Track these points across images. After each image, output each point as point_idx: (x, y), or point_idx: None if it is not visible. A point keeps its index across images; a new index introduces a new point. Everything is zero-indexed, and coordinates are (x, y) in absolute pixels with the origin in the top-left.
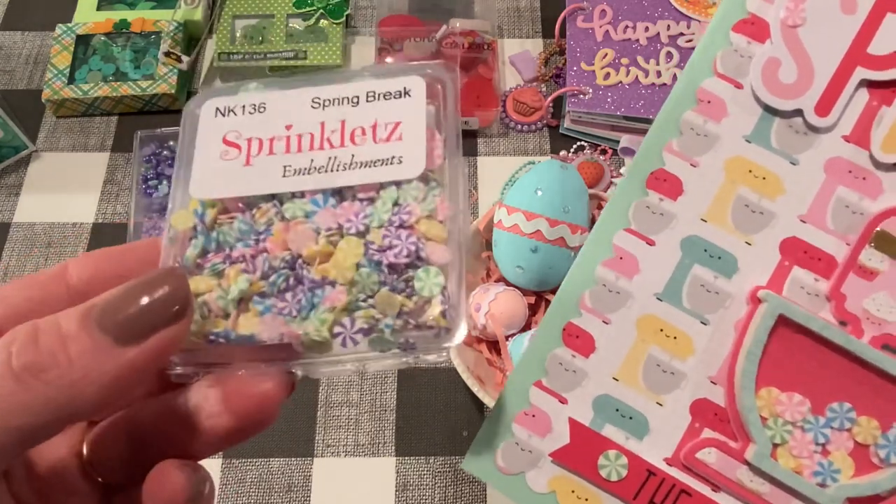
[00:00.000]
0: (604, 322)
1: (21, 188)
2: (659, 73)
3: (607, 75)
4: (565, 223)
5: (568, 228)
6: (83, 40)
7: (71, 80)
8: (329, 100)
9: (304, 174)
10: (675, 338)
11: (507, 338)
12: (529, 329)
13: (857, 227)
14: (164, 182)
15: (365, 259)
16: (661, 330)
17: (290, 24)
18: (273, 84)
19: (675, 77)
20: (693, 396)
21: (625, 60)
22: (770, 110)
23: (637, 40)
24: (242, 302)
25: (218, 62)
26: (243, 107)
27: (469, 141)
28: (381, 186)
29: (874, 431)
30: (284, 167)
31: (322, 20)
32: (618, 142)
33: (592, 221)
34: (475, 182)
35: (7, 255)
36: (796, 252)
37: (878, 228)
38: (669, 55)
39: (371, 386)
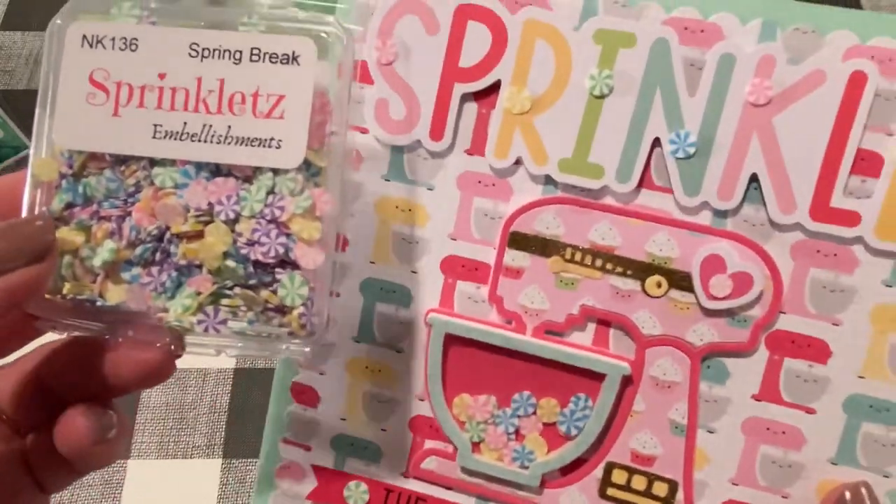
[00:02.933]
0: (320, 374)
1: None
2: None
3: None
4: None
5: None
6: None
7: None
8: (209, 49)
9: (175, 139)
10: (379, 371)
11: None
12: None
13: (497, 231)
14: None
15: (233, 249)
16: (367, 367)
17: None
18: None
19: None
20: (408, 416)
21: None
22: (395, 148)
23: None
24: (109, 266)
25: None
26: (113, 39)
27: None
28: (258, 168)
29: (555, 409)
30: (155, 126)
31: None
32: None
33: None
34: None
35: None
36: (455, 268)
37: (510, 230)
38: None
39: None
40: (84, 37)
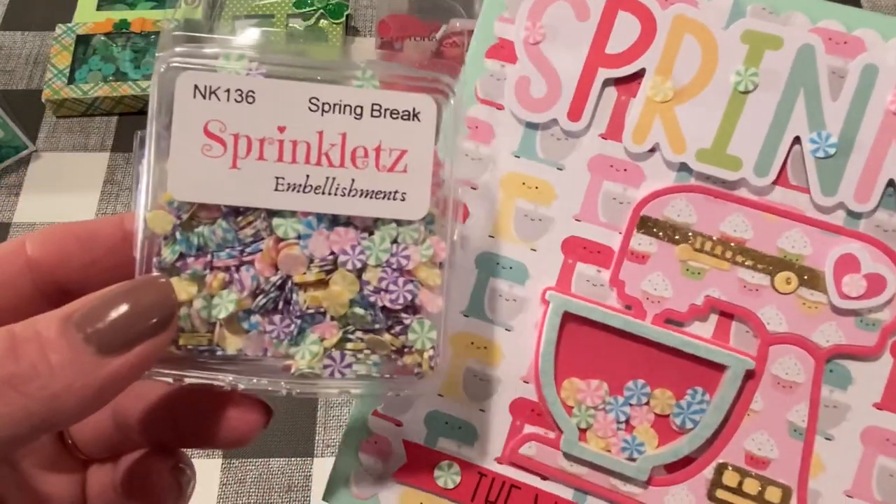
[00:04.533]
0: None
1: (21, 188)
2: None
3: None
4: None
5: None
6: (83, 40)
7: (71, 80)
8: (330, 104)
9: (298, 191)
10: (485, 348)
11: None
12: None
13: (625, 216)
14: None
15: (359, 296)
16: (472, 343)
17: (290, 24)
18: (261, 52)
19: None
20: (510, 398)
21: None
22: (530, 125)
23: None
24: (227, 316)
25: None
26: (228, 91)
27: None
28: (379, 218)
29: (669, 401)
30: (277, 179)
31: (322, 20)
32: None
33: None
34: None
35: None
36: (576, 249)
37: (641, 214)
38: None
39: None
40: (196, 87)
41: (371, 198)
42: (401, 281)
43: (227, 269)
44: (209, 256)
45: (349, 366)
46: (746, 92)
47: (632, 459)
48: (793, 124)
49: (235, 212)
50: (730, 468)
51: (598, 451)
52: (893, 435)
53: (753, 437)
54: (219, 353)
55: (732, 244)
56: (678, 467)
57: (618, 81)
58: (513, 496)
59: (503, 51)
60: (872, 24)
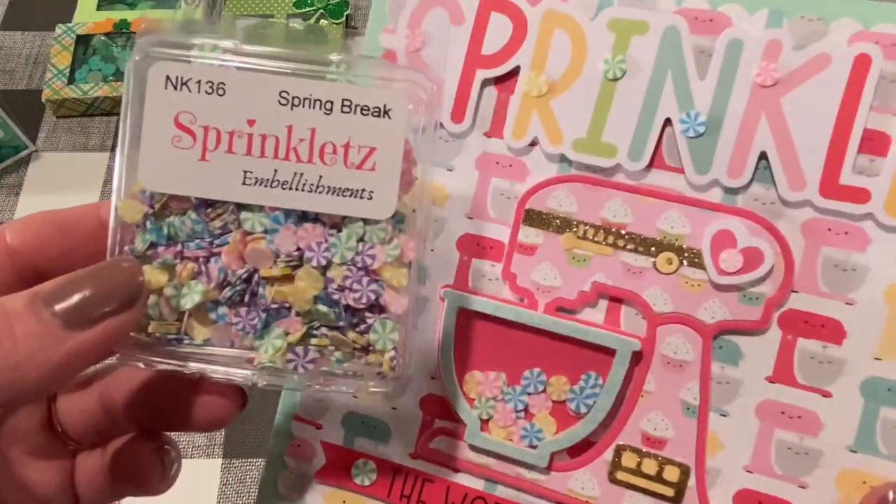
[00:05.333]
0: None
1: (21, 188)
2: None
3: None
4: None
5: None
6: (83, 40)
7: (71, 80)
8: (300, 99)
9: (266, 186)
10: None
11: None
12: None
13: (513, 210)
14: None
15: (324, 293)
16: None
17: (290, 25)
18: (233, 38)
19: None
20: (420, 394)
21: None
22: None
23: None
24: (195, 305)
25: None
26: (199, 82)
27: None
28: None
29: (564, 387)
30: (245, 172)
31: (322, 20)
32: None
33: None
34: None
35: None
36: (471, 246)
37: (525, 207)
38: None
39: None
40: (168, 78)
41: (338, 195)
42: (365, 280)
43: (196, 259)
44: (179, 246)
45: (312, 361)
46: (616, 79)
47: (532, 447)
48: (662, 107)
49: (206, 203)
50: (628, 450)
51: (501, 441)
52: (788, 407)
53: (649, 418)
54: (186, 341)
55: (613, 229)
56: (579, 452)
57: (496, 81)
58: (426, 490)
59: (390, 60)
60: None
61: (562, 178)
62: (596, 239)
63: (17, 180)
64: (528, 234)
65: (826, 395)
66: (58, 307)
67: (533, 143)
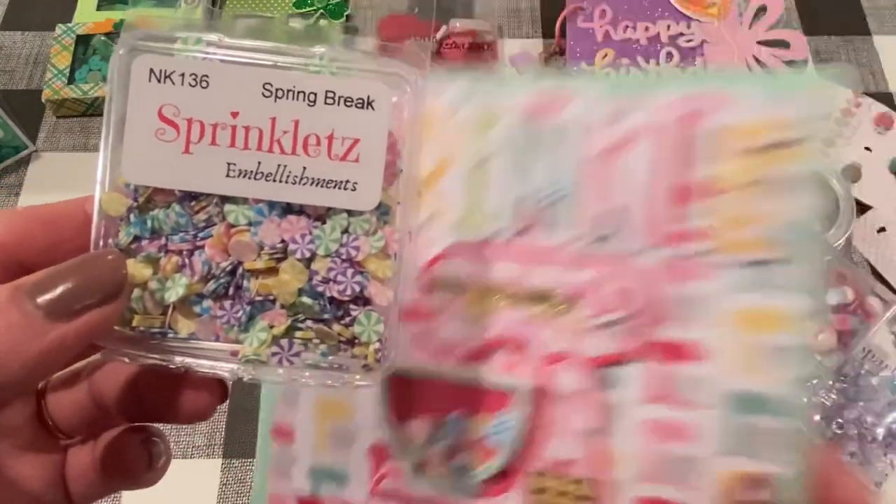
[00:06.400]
0: (292, 410)
1: (21, 188)
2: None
3: (607, 75)
4: None
5: None
6: (83, 40)
7: (71, 80)
8: (283, 90)
9: (249, 178)
10: (339, 406)
11: None
12: None
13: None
14: None
15: (308, 286)
16: (326, 404)
17: (290, 25)
18: (217, 31)
19: None
20: (368, 443)
21: (625, 60)
22: None
23: (637, 40)
24: (179, 299)
25: None
26: (182, 75)
27: None
28: (331, 208)
29: (481, 426)
30: (228, 165)
31: (322, 20)
32: None
33: None
34: None
35: None
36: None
37: (427, 278)
38: (669, 55)
39: None
40: (151, 70)
41: (322, 186)
42: (350, 272)
43: (180, 252)
44: (164, 240)
45: (297, 354)
46: (483, 163)
47: (462, 481)
48: (528, 179)
49: (190, 196)
50: (543, 475)
51: (435, 480)
52: (664, 423)
53: (554, 445)
54: (171, 335)
55: (504, 287)
56: (503, 480)
57: None
58: None
59: None
60: (575, 85)
61: (453, 249)
62: (491, 297)
63: (17, 180)
64: (433, 300)
65: (696, 407)
66: (40, 299)
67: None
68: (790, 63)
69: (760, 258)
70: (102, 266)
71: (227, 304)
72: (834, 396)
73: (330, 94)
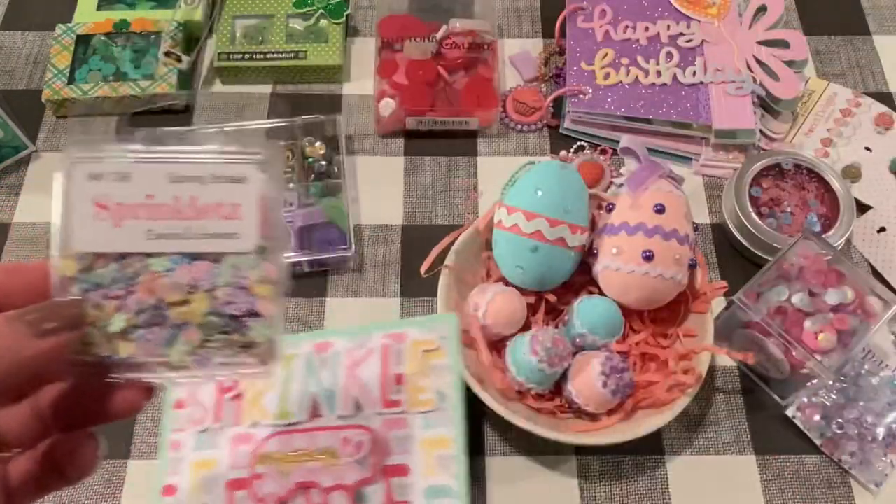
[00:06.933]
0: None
1: (21, 188)
2: (659, 73)
3: (607, 75)
4: (565, 223)
5: (568, 228)
6: (83, 40)
7: (71, 80)
8: (183, 176)
9: (164, 238)
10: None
11: (506, 338)
12: (529, 329)
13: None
14: None
15: (213, 309)
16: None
17: (290, 24)
18: (134, 142)
19: (674, 77)
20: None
21: (625, 60)
22: None
23: (637, 40)
24: (122, 332)
25: (218, 62)
26: (112, 174)
27: (469, 141)
28: (224, 253)
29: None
30: (148, 231)
31: (322, 20)
32: (618, 142)
33: (593, 221)
34: (475, 182)
35: (7, 255)
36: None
37: (258, 453)
38: (669, 55)
39: None
40: (89, 174)
41: (217, 238)
42: (242, 296)
43: (118, 297)
44: (105, 289)
45: (209, 358)
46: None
47: None
48: (310, 386)
49: (122, 256)
50: None
51: None
52: None
53: None
54: (115, 357)
55: (302, 452)
56: None
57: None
58: None
59: None
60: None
61: (273, 435)
62: (294, 460)
63: (17, 180)
64: (260, 469)
65: (410, 501)
66: (26, 319)
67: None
68: (790, 63)
69: (430, 409)
70: (67, 305)
71: (155, 329)
72: (834, 396)
73: (217, 176)
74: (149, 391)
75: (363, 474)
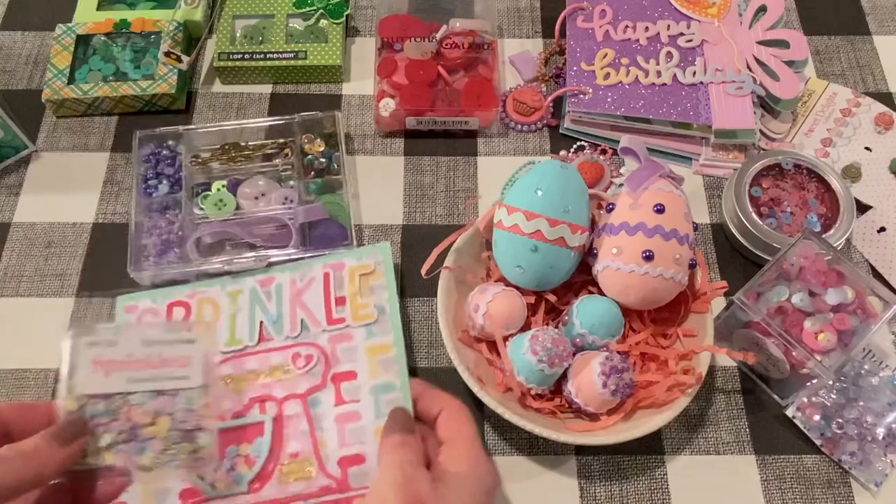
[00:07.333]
0: None
1: (21, 188)
2: (659, 73)
3: (607, 75)
4: (565, 223)
5: (568, 228)
6: (83, 40)
7: (71, 80)
8: (153, 341)
9: (140, 382)
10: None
11: (506, 338)
12: (529, 329)
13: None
14: (164, 181)
15: (173, 427)
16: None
17: (290, 24)
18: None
19: (674, 77)
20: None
21: (625, 60)
22: None
23: (637, 40)
24: (107, 447)
25: (218, 62)
26: (105, 341)
27: (469, 141)
28: (180, 389)
29: (246, 450)
30: (129, 378)
31: (322, 20)
32: (618, 141)
33: (593, 221)
34: (475, 182)
35: (7, 255)
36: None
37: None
38: (669, 55)
39: None
40: (89, 342)
41: (174, 380)
42: (192, 417)
43: (106, 423)
44: (96, 419)
45: (171, 461)
46: (235, 314)
47: (239, 484)
48: (263, 315)
49: (108, 395)
50: (283, 465)
51: (223, 490)
52: (346, 413)
53: (289, 446)
54: (101, 465)
55: (254, 371)
56: (262, 476)
57: None
58: None
59: None
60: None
61: (225, 360)
62: (247, 378)
63: (17, 180)
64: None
65: (359, 401)
66: (56, 435)
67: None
68: (790, 63)
69: (371, 322)
70: (78, 422)
71: (131, 444)
72: (834, 396)
73: (172, 339)
74: (125, 484)
75: (313, 383)
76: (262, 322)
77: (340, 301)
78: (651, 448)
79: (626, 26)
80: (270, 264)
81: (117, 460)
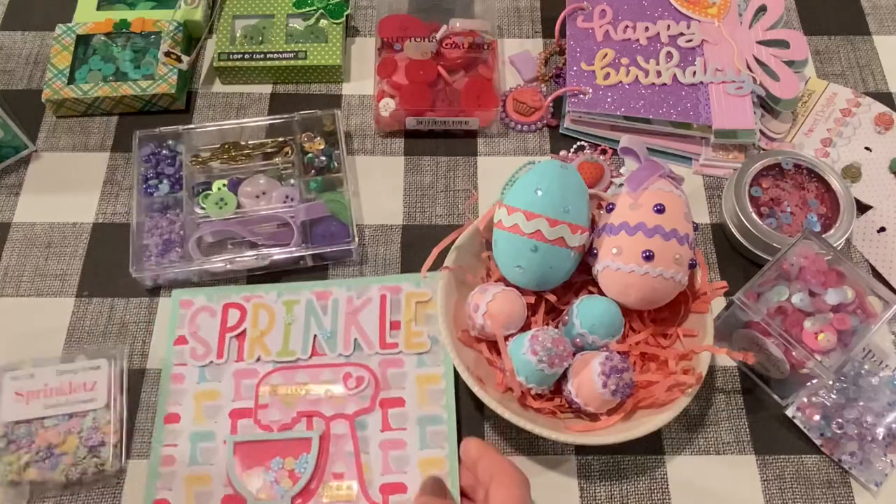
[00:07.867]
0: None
1: (21, 188)
2: (659, 73)
3: (607, 75)
4: (565, 223)
5: (568, 228)
6: (83, 40)
7: (71, 80)
8: (66, 371)
9: (55, 407)
10: (199, 478)
11: (506, 338)
12: (529, 329)
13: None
14: (164, 181)
15: (81, 445)
16: (188, 476)
17: (290, 24)
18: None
19: (674, 77)
20: (221, 495)
21: (625, 60)
22: None
23: (637, 40)
24: (26, 465)
25: (218, 62)
26: (24, 374)
27: (469, 141)
28: (87, 410)
29: (292, 463)
30: (45, 404)
31: (322, 20)
32: (618, 141)
33: (593, 221)
34: (475, 182)
35: (7, 255)
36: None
37: (261, 385)
38: (669, 55)
39: None
40: (12, 377)
41: (83, 402)
42: (97, 435)
43: (27, 446)
44: (17, 441)
45: (79, 473)
46: (289, 323)
47: (281, 497)
48: (311, 329)
49: (29, 420)
50: (327, 484)
51: (265, 500)
52: (392, 440)
53: (334, 465)
54: (24, 480)
55: (303, 385)
56: (305, 493)
57: (237, 336)
58: None
59: None
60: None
61: (271, 371)
62: (294, 391)
63: (17, 180)
64: (264, 393)
65: (405, 429)
66: None
67: (258, 359)
68: (790, 63)
69: (424, 351)
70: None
71: (47, 461)
72: (834, 396)
73: (85, 367)
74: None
75: (362, 405)
76: (315, 336)
77: (395, 325)
78: (651, 448)
79: (626, 26)
80: (274, 263)
81: (36, 476)
